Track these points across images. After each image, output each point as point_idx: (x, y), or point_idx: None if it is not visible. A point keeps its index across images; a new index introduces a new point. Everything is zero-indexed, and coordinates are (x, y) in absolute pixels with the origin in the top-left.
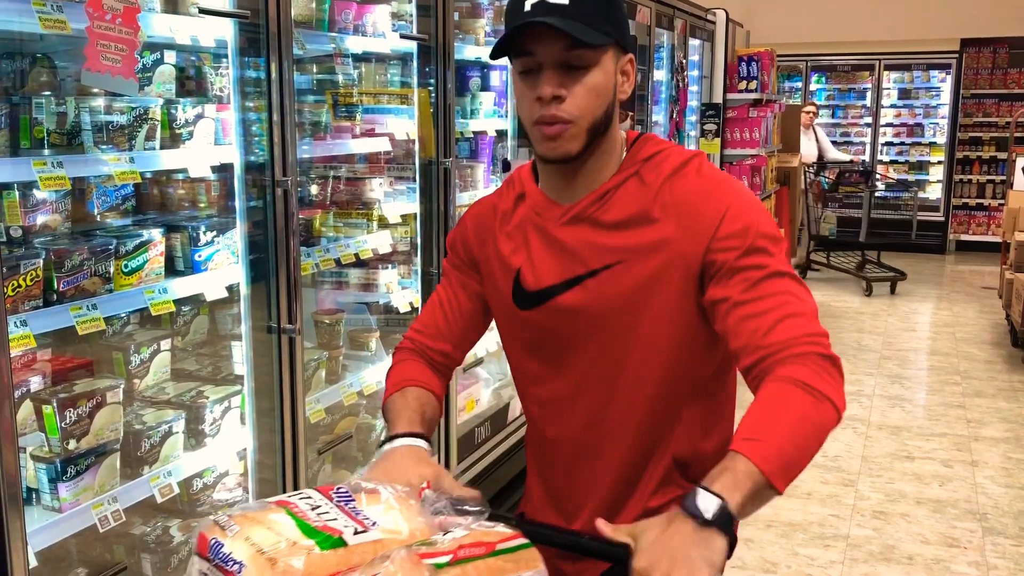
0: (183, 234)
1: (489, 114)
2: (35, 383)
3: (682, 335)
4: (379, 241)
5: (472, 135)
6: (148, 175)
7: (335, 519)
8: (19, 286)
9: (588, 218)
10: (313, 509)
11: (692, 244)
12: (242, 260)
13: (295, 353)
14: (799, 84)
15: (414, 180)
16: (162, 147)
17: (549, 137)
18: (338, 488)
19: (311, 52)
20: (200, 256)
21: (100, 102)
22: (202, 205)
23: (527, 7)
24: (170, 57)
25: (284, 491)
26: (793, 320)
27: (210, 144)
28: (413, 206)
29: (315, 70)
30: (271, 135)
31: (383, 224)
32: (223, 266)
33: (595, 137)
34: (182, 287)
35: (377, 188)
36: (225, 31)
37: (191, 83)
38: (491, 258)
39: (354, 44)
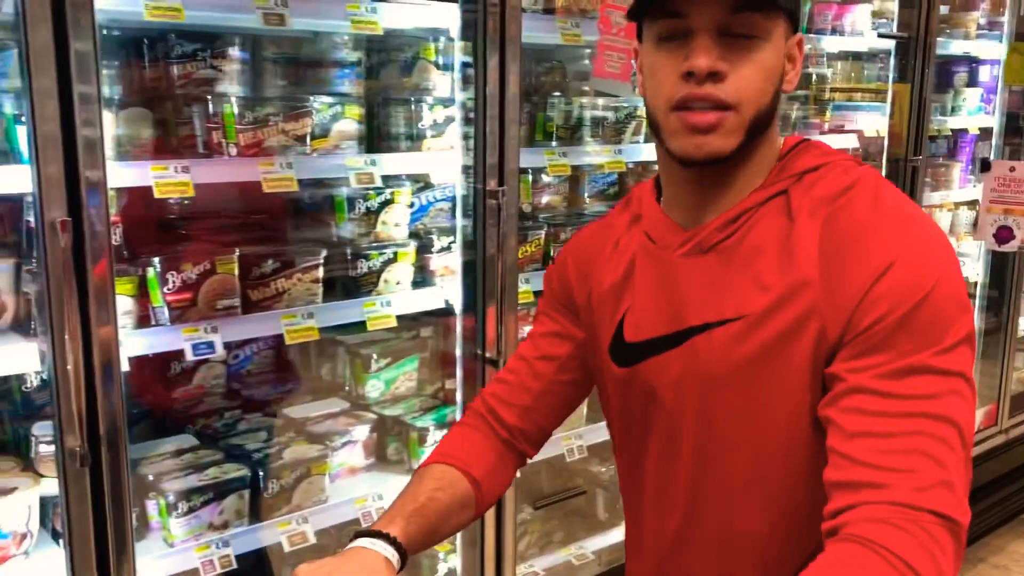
0: None
1: (973, 111)
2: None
3: (810, 427)
4: None
5: (950, 133)
6: (630, 165)
7: None
8: (525, 252)
9: (712, 249)
10: None
11: (838, 300)
12: None
13: None
14: None
15: None
16: (645, 141)
17: (697, 128)
18: None
19: None
20: None
21: (599, 101)
22: None
23: None
24: None
25: None
26: (924, 462)
27: None
28: None
29: None
30: None
31: None
32: None
33: (753, 137)
34: None
35: None
36: None
37: None
38: (592, 297)
39: (830, 44)
